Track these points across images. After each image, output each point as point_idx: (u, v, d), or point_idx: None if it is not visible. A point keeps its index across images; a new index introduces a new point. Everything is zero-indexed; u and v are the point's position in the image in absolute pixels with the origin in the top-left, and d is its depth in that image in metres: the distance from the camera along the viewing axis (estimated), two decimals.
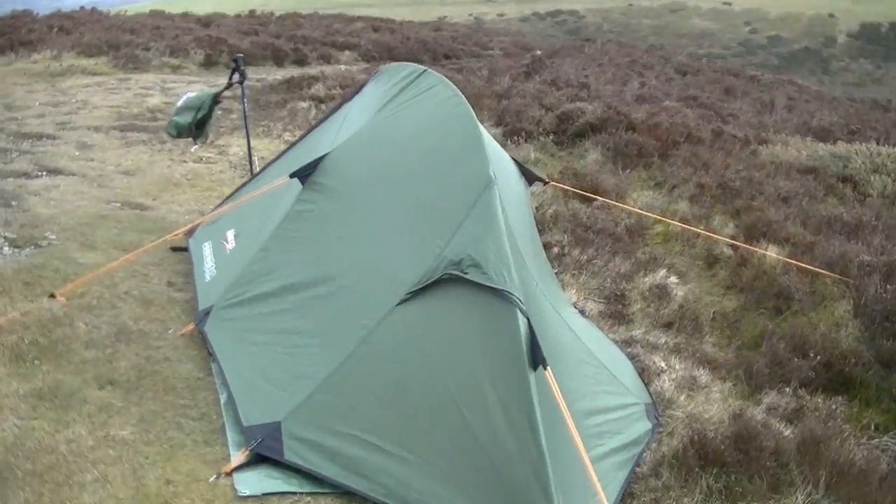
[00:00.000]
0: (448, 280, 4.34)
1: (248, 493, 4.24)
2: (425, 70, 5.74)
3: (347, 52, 24.41)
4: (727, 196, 9.09)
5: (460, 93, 5.25)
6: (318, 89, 15.35)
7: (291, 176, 5.59)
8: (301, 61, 22.25)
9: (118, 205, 8.71)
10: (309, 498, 4.29)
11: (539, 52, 25.19)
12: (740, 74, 27.78)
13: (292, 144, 7.26)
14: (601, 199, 8.30)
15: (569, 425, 3.89)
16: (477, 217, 4.49)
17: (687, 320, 6.71)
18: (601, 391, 4.92)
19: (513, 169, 5.87)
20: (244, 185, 7.58)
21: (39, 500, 3.98)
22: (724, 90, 19.90)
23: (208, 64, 20.84)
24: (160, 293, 6.63)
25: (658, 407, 5.29)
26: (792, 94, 23.85)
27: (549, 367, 4.04)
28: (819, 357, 5.90)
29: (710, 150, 11.00)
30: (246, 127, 8.90)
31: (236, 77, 8.18)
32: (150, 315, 6.17)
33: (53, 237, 7.20)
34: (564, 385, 4.23)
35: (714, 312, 7.01)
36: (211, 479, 4.31)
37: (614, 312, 6.69)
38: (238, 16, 33.08)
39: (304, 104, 14.65)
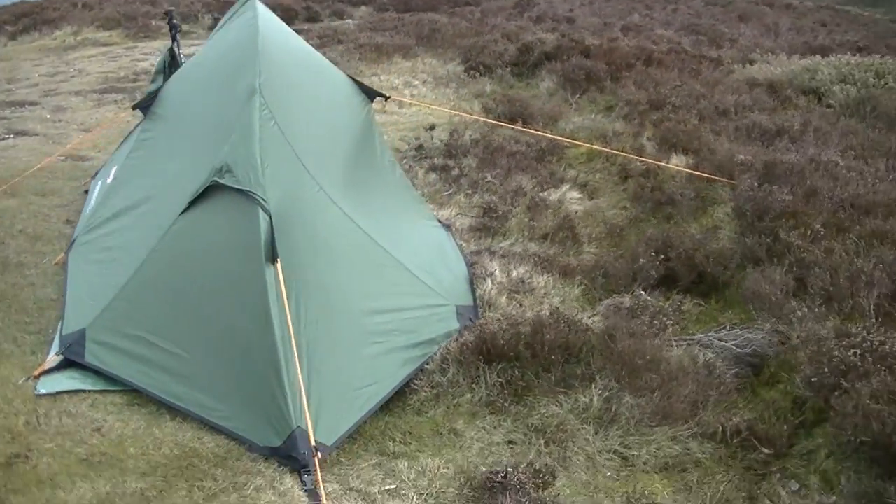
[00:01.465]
0: (213, 187, 4.47)
1: (44, 391, 4.56)
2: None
3: (363, 7, 23.96)
4: (654, 113, 8.77)
5: (259, 13, 5.45)
6: None
7: (133, 107, 5.89)
8: (313, 19, 21.96)
9: (62, 158, 9.06)
10: (98, 395, 4.55)
11: None
12: (775, 3, 26.65)
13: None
14: (510, 126, 8.19)
15: (288, 318, 3.96)
16: (239, 126, 4.63)
17: (564, 231, 6.55)
18: (397, 292, 4.97)
19: (343, 86, 5.95)
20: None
21: None
22: (737, 18, 19.14)
23: (216, 27, 21.05)
24: (53, 230, 6.99)
25: (479, 309, 5.21)
26: (825, 19, 22.86)
27: (279, 262, 4.11)
28: (678, 258, 5.69)
29: (667, 71, 10.59)
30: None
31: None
32: (35, 249, 6.55)
33: None
34: (338, 283, 4.47)
35: (606, 224, 6.84)
36: (20, 382, 4.67)
37: (484, 225, 6.59)
38: None
39: None
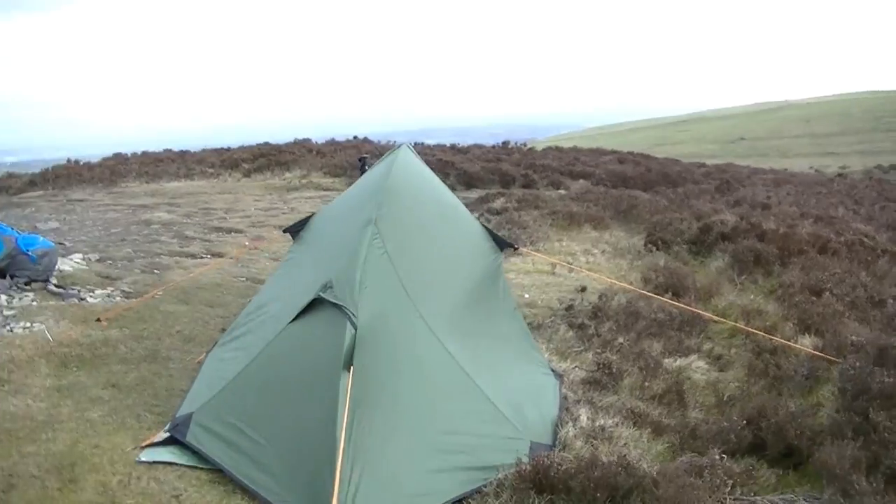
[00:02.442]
0: (317, 300, 5.37)
1: (143, 459, 5.56)
2: (399, 146, 6.94)
3: (581, 181, 25.02)
4: (805, 296, 8.87)
5: (399, 157, 6.45)
6: (500, 203, 16.60)
7: (283, 231, 7.06)
8: (528, 186, 23.24)
9: (243, 279, 10.55)
10: (187, 469, 5.49)
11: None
12: None
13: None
14: (658, 297, 8.64)
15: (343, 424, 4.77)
16: (349, 250, 5.55)
17: (671, 394, 6.83)
18: (473, 418, 5.55)
19: (474, 233, 6.74)
20: None
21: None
22: None
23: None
24: (207, 334, 8.36)
25: (555, 448, 5.64)
26: None
27: (352, 369, 4.87)
28: (768, 427, 5.85)
29: (839, 260, 10.60)
30: None
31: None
32: (185, 348, 7.94)
33: (160, 293, 9.03)
34: (413, 397, 5.32)
35: (719, 394, 7.03)
36: (128, 449, 5.72)
37: (596, 380, 7.02)
38: (493, 147, 35.54)
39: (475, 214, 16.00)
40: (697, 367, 7.66)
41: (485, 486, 5.12)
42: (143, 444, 5.67)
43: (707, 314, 8.44)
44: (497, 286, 6.78)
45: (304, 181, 23.68)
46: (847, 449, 5.19)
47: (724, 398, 6.92)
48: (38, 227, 14.68)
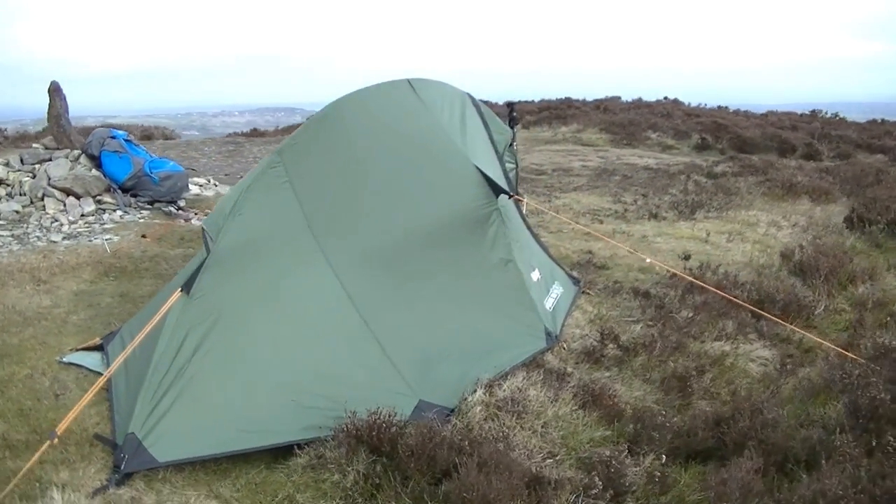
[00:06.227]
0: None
1: (63, 360, 5.85)
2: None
3: (879, 155, 21.48)
4: None
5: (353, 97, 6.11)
6: (721, 168, 15.09)
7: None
8: (810, 157, 20.65)
9: None
10: (90, 373, 5.67)
11: None
12: None
13: None
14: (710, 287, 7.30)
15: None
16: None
17: (680, 381, 5.70)
18: (345, 361, 5.04)
19: (466, 179, 6.13)
20: None
21: None
22: None
23: (701, 147, 21.23)
24: None
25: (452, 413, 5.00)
26: None
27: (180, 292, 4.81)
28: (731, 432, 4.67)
29: None
30: (515, 181, 9.63)
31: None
32: None
33: None
34: (276, 335, 5.00)
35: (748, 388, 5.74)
36: (67, 350, 6.01)
37: (594, 351, 6.07)
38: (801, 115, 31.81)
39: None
40: (759, 357, 6.27)
41: (328, 435, 4.53)
42: (78, 347, 5.85)
43: (770, 315, 6.78)
44: (483, 234, 5.95)
45: (568, 136, 23.15)
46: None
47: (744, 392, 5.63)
48: None
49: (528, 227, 7.28)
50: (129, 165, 10.29)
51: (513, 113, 9.30)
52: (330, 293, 5.13)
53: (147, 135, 24.80)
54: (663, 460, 4.45)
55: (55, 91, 11.33)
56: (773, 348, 6.41)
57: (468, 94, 7.40)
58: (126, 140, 10.81)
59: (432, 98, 6.47)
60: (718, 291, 6.77)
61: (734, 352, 6.20)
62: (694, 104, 32.33)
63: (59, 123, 11.31)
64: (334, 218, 5.40)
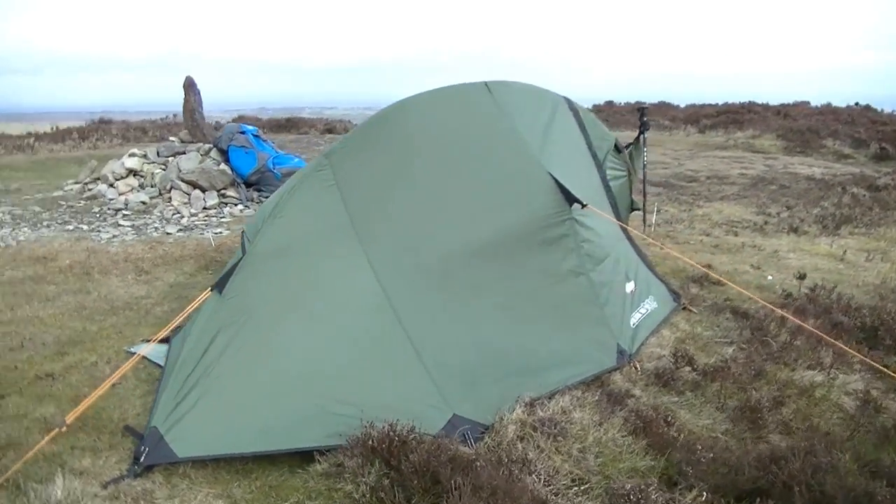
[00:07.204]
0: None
1: (131, 350, 6.06)
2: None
3: None
4: None
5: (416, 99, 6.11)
6: (884, 181, 13.77)
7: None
8: None
9: None
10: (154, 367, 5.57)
11: None
12: None
13: None
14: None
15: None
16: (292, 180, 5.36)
17: (754, 413, 5.22)
18: (380, 371, 4.87)
19: (540, 188, 5.88)
20: None
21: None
22: None
23: (880, 157, 19.60)
24: None
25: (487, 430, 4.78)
26: None
27: (223, 291, 4.93)
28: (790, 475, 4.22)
29: None
30: (644, 179, 9.33)
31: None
32: None
33: None
34: (307, 341, 4.88)
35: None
36: (139, 340, 6.27)
37: (665, 373, 5.65)
38: None
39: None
40: (855, 391, 5.65)
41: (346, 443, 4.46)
42: (152, 339, 5.93)
43: (860, 356, 6.02)
44: (552, 244, 5.62)
45: (740, 142, 22.08)
46: None
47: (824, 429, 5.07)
48: None
49: (629, 237, 6.92)
50: (253, 160, 10.68)
51: (643, 117, 8.96)
52: (371, 299, 5.00)
53: (329, 128, 26.09)
54: (704, 497, 4.10)
55: (189, 86, 11.96)
56: (878, 381, 5.76)
57: (565, 98, 7.12)
58: (255, 136, 11.25)
59: (510, 102, 6.25)
60: (795, 320, 6.15)
61: (828, 382, 5.60)
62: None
63: (192, 118, 11.93)
64: (382, 223, 5.27)
